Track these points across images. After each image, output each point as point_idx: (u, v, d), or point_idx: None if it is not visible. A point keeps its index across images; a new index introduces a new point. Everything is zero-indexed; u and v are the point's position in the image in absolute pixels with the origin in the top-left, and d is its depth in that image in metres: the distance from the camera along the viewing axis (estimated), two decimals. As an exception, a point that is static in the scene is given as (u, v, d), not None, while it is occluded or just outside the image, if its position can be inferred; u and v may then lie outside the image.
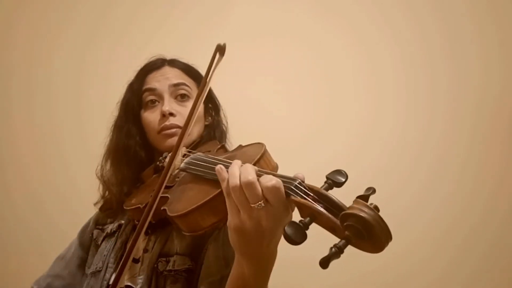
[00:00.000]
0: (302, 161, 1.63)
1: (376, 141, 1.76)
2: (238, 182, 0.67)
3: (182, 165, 0.95)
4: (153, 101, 1.16)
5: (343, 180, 0.65)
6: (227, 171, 0.71)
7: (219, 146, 1.09)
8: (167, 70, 1.19)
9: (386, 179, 1.68)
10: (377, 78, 1.81)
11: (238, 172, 0.69)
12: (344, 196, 0.64)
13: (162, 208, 0.89)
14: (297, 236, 0.59)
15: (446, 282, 1.62)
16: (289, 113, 1.84)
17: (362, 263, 1.50)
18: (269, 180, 0.65)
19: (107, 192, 1.18)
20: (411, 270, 1.63)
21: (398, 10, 1.82)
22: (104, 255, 1.09)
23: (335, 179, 0.65)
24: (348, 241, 0.57)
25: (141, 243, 1.05)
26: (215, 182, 0.79)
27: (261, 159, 0.82)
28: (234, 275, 0.79)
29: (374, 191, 0.60)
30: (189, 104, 1.16)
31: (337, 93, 1.83)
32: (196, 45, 1.79)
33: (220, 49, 0.96)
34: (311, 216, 0.61)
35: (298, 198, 0.64)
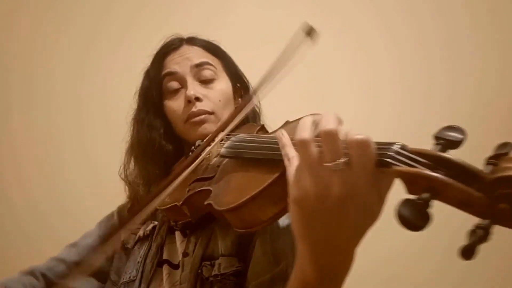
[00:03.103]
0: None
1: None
2: (307, 134, 0.49)
3: (223, 150, 0.78)
4: (175, 87, 0.98)
5: (461, 137, 0.47)
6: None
7: (258, 128, 0.91)
8: (187, 49, 1.01)
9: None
10: (374, 76, 1.71)
11: (309, 125, 0.51)
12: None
13: (206, 202, 0.71)
14: (418, 218, 0.41)
15: (441, 279, 1.53)
16: (289, 113, 1.69)
17: (359, 259, 1.36)
18: (358, 134, 0.47)
19: (133, 194, 1.00)
20: (408, 266, 1.54)
21: (395, 8, 1.73)
22: (138, 262, 0.91)
23: (450, 137, 0.46)
24: (494, 219, 0.39)
25: (179, 246, 0.88)
26: (271, 164, 0.63)
27: None
28: (294, 280, 0.58)
29: None
30: (215, 85, 0.98)
31: (333, 91, 1.72)
32: None
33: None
34: (432, 190, 0.42)
35: (405, 167, 0.45)
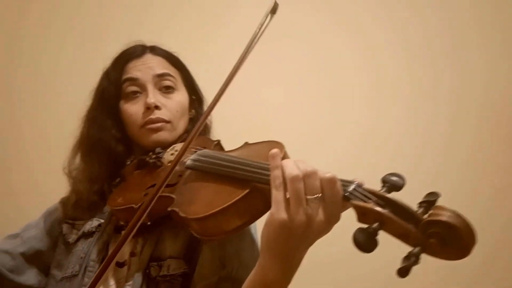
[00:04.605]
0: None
1: (378, 142, 1.68)
2: (297, 171, 0.60)
3: (189, 162, 0.84)
4: (134, 92, 1.02)
5: (402, 182, 0.59)
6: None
7: (215, 143, 0.97)
8: (150, 58, 1.05)
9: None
10: (380, 79, 1.73)
11: (293, 163, 0.62)
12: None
13: (169, 209, 0.77)
14: (370, 243, 0.53)
15: (448, 281, 1.53)
16: (290, 114, 1.74)
17: (364, 262, 1.40)
18: (326, 173, 0.60)
19: (75, 189, 1.02)
20: (414, 268, 1.60)
21: (402, 11, 1.75)
22: (81, 258, 0.93)
23: (394, 182, 0.59)
24: (424, 249, 0.52)
25: (126, 246, 0.91)
26: (239, 181, 0.71)
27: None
28: (252, 281, 0.69)
29: (439, 195, 0.56)
30: (174, 96, 1.04)
31: (340, 94, 1.74)
32: (202, 46, 1.71)
33: (273, 9, 0.89)
34: (380, 222, 0.54)
35: (361, 202, 0.57)
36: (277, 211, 0.60)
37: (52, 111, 1.87)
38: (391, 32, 1.74)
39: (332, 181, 0.59)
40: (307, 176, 0.60)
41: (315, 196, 0.59)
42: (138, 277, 0.86)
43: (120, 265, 0.91)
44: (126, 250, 0.91)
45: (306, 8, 1.79)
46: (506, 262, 1.55)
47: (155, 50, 1.08)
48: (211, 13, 1.83)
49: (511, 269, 1.54)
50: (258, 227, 0.71)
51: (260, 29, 0.87)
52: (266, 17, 0.89)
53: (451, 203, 0.57)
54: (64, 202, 1.07)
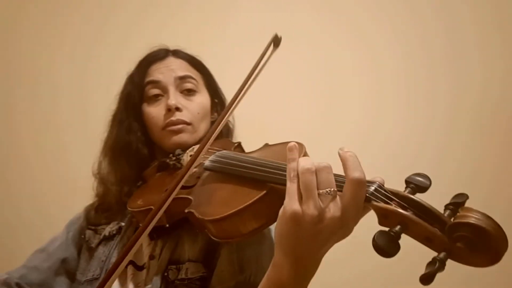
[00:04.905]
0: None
1: (377, 142, 1.69)
2: (310, 165, 0.60)
3: (207, 163, 0.84)
4: (156, 95, 1.03)
5: (428, 183, 0.59)
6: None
7: (236, 145, 0.98)
8: (172, 61, 1.07)
9: (385, 179, 1.63)
10: (378, 79, 1.75)
11: (310, 159, 0.62)
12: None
13: (186, 210, 0.78)
14: (391, 247, 0.52)
15: (448, 281, 1.58)
16: (290, 114, 1.76)
17: (363, 260, 1.42)
18: (356, 171, 0.58)
19: (104, 192, 1.03)
20: (412, 268, 1.61)
21: (400, 10, 1.76)
22: (102, 261, 0.95)
23: (419, 183, 0.59)
24: (450, 254, 0.52)
25: (146, 249, 0.93)
26: (256, 182, 0.71)
27: None
28: (267, 280, 0.68)
29: (467, 197, 0.56)
30: (196, 98, 1.05)
31: (340, 94, 1.76)
32: (201, 46, 1.71)
33: (276, 40, 0.89)
34: (403, 224, 0.54)
35: (382, 204, 0.56)
36: (290, 202, 0.60)
37: (50, 111, 1.88)
38: (390, 32, 1.75)
39: (360, 183, 0.57)
40: (320, 170, 0.59)
41: (327, 190, 0.59)
42: (156, 281, 0.86)
43: (139, 268, 0.92)
44: (145, 253, 0.92)
45: (306, 8, 1.81)
46: (506, 262, 1.56)
47: (177, 53, 1.09)
48: (211, 13, 1.85)
49: (511, 269, 1.55)
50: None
51: (262, 59, 0.88)
52: (268, 49, 0.89)
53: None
54: (87, 209, 1.08)
